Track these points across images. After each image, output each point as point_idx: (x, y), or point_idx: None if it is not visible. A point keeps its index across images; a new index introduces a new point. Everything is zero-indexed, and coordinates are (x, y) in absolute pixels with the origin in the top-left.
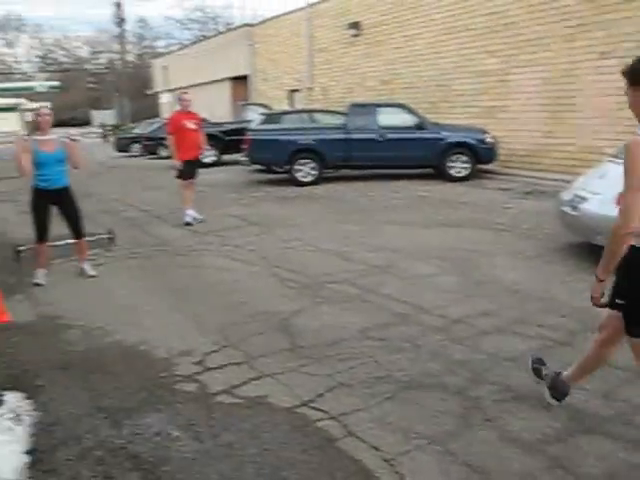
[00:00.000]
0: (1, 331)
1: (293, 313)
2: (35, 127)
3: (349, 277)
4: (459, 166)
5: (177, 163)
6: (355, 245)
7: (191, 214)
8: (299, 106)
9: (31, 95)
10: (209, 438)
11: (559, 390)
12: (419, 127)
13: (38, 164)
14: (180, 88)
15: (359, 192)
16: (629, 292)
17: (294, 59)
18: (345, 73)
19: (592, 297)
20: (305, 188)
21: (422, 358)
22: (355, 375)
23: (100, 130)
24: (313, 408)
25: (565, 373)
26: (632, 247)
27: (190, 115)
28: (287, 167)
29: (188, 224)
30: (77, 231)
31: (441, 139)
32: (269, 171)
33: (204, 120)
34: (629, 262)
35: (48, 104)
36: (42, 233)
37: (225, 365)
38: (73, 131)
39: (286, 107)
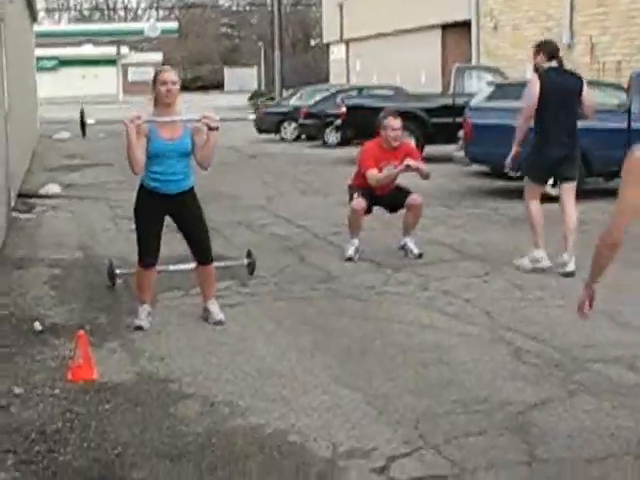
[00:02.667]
0: (87, 393)
1: (532, 406)
2: (155, 99)
3: (626, 354)
4: None
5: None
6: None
7: (356, 244)
8: None
9: (137, 42)
10: None
11: None
12: None
13: (153, 156)
14: (361, 38)
15: None
16: None
17: None
18: (629, 22)
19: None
20: (557, 205)
21: None
22: None
23: (251, 102)
24: None
25: None
26: None
27: (394, 153)
28: None
29: (349, 259)
30: (203, 254)
31: None
32: (498, 175)
33: (411, 115)
34: None
35: (160, 56)
36: (149, 254)
37: (422, 478)
38: (211, 110)
39: (529, 74)
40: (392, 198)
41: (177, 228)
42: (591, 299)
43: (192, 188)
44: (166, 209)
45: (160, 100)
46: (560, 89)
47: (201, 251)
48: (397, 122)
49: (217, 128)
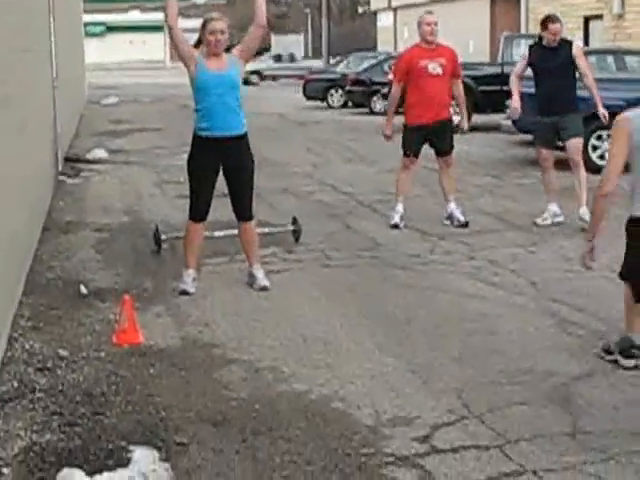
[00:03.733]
0: (132, 356)
1: (576, 377)
2: (199, 43)
3: None
4: None
5: (387, 132)
6: None
7: (401, 211)
8: (599, 43)
9: (185, 9)
10: None
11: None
12: None
13: (202, 89)
14: (409, 5)
15: None
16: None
17: None
18: None
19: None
20: None
21: None
22: None
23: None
24: None
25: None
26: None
27: (435, 51)
28: None
29: (395, 226)
30: (244, 209)
31: None
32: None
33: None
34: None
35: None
36: (200, 208)
37: (464, 447)
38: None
39: (579, 42)
40: (437, 134)
41: (224, 178)
42: (592, 251)
43: (246, 135)
44: (220, 157)
45: (209, 49)
46: None
47: (243, 206)
48: (432, 17)
49: None
